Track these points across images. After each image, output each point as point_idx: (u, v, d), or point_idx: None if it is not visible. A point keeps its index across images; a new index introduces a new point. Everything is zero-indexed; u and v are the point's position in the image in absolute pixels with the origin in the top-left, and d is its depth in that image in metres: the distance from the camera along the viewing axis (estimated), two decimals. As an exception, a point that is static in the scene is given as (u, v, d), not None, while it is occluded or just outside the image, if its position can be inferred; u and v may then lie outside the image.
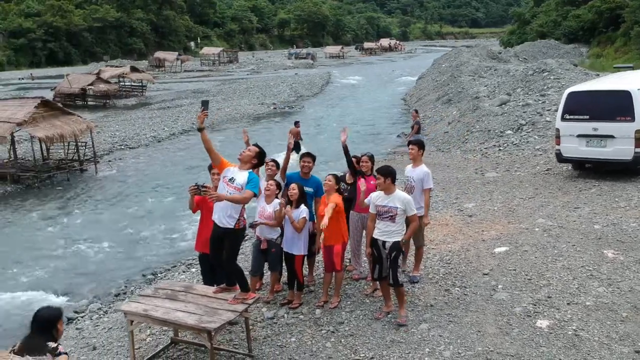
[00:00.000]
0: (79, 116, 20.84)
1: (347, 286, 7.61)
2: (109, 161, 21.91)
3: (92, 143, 20.68)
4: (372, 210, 6.58)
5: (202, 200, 6.69)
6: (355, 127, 28.81)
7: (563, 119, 12.02)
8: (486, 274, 7.57)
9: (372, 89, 47.00)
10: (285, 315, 6.99)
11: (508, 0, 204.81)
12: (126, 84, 45.83)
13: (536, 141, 16.23)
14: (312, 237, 7.35)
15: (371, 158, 7.75)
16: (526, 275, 7.44)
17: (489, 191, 12.08)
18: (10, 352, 4.06)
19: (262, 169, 6.99)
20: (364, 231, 7.42)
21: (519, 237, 8.82)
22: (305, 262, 7.74)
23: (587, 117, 11.65)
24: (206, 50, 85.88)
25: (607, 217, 9.42)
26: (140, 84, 45.05)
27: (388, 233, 6.39)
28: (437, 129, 23.14)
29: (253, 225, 6.94)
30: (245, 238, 11.03)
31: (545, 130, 16.53)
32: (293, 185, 6.87)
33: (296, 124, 18.97)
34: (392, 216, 6.34)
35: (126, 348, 6.74)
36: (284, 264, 7.30)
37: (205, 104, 6.01)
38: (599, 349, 5.71)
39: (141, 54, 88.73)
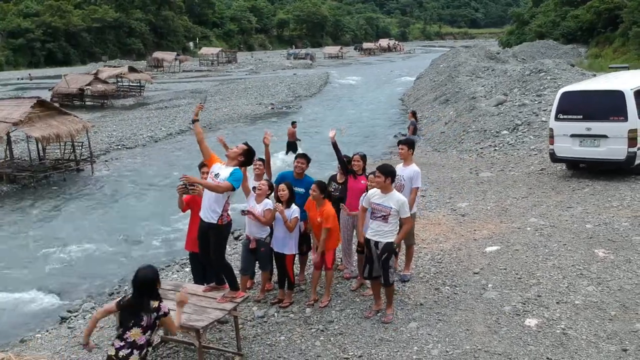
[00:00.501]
0: (75, 116, 20.88)
1: (337, 285, 7.63)
2: (106, 161, 21.93)
3: (89, 143, 20.71)
4: (365, 204, 6.58)
5: (191, 199, 6.71)
6: (353, 127, 28.84)
7: (557, 118, 12.04)
8: (477, 273, 7.59)
9: (370, 89, 47.02)
10: (276, 314, 7.01)
11: (507, 0, 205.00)
12: (124, 84, 45.85)
13: (531, 141, 16.25)
14: (303, 237, 7.37)
15: (363, 158, 7.75)
16: (516, 274, 7.46)
17: (483, 191, 12.10)
18: (116, 306, 4.64)
19: (250, 168, 7.01)
20: (355, 230, 7.43)
21: (510, 237, 8.84)
22: (297, 261, 7.77)
23: (581, 117, 11.67)
24: (205, 50, 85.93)
25: (600, 217, 9.44)
26: (138, 84, 45.08)
27: (381, 233, 6.40)
28: (434, 129, 23.17)
29: (244, 212, 6.90)
30: (240, 238, 11.09)
31: (541, 130, 16.55)
32: (282, 186, 6.87)
33: (293, 124, 19.01)
34: (384, 216, 6.34)
35: (116, 347, 6.74)
36: (274, 263, 7.31)
37: (203, 97, 6.16)
38: (586, 347, 5.72)
39: (140, 54, 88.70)
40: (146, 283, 4.57)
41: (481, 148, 17.22)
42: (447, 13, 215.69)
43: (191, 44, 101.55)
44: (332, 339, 6.32)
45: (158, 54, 73.44)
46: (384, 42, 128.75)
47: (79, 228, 14.54)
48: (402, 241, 7.50)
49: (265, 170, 7.55)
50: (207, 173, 6.38)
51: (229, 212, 6.14)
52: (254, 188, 7.06)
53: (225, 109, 34.56)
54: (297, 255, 7.49)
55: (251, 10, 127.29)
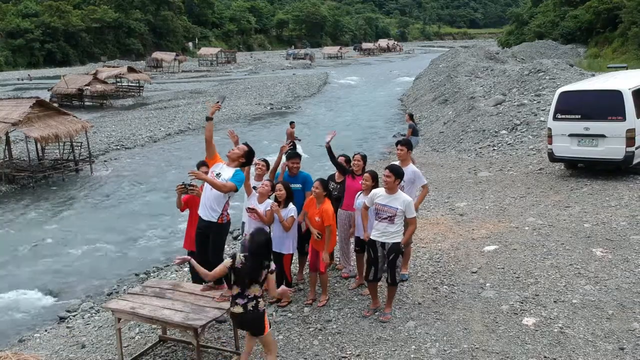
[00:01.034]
0: (74, 116, 20.88)
1: (335, 284, 7.64)
2: (105, 161, 21.93)
3: (88, 143, 20.71)
4: (368, 203, 6.59)
5: (190, 199, 6.73)
6: (352, 127, 28.88)
7: (555, 118, 12.06)
8: (475, 272, 7.60)
9: (369, 90, 47.06)
10: (274, 313, 7.02)
11: (506, 0, 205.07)
12: (123, 84, 45.85)
13: (530, 141, 16.27)
14: (305, 237, 7.35)
15: (364, 158, 7.76)
16: (514, 273, 7.48)
17: (481, 190, 12.12)
18: (230, 262, 5.07)
19: (252, 169, 7.02)
20: (351, 229, 7.45)
21: (508, 236, 8.86)
22: (297, 261, 7.78)
23: (579, 116, 11.69)
24: (204, 50, 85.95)
25: (598, 216, 9.46)
26: (138, 84, 45.08)
27: (387, 234, 6.40)
28: (433, 129, 23.20)
29: (249, 210, 6.90)
30: (238, 238, 11.10)
31: (540, 130, 16.57)
32: (279, 186, 6.88)
33: (291, 124, 19.02)
34: (391, 217, 6.34)
35: (114, 346, 6.76)
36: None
37: (222, 98, 6.48)
38: (583, 346, 5.73)
39: (139, 55, 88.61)
40: (262, 246, 5.04)
41: (480, 148, 17.24)
42: (446, 13, 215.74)
43: (190, 44, 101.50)
44: (330, 338, 6.33)
45: (157, 54, 73.43)
46: (383, 43, 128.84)
47: (78, 228, 14.55)
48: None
49: (270, 174, 7.58)
50: (207, 173, 6.39)
51: (229, 211, 6.16)
52: (254, 188, 7.08)
53: (225, 109, 34.48)
54: (296, 255, 7.50)
55: (250, 10, 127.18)
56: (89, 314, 9.20)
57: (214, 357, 6.26)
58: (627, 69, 20.41)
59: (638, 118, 11.21)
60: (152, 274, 11.03)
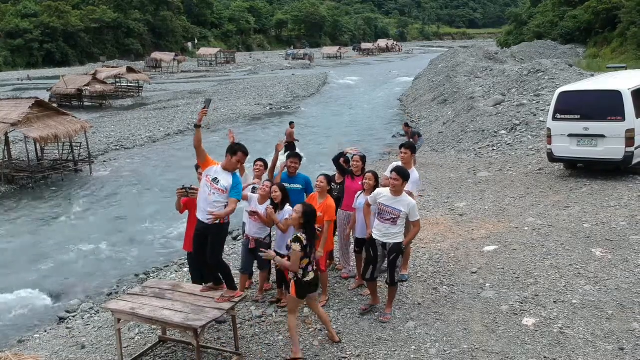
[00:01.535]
0: (73, 117, 20.88)
1: (335, 285, 7.64)
2: (104, 161, 21.93)
3: (87, 143, 20.71)
4: (371, 202, 6.58)
5: (189, 200, 6.72)
6: (351, 127, 28.89)
7: (554, 118, 12.07)
8: (474, 273, 7.60)
9: (368, 90, 47.07)
10: (274, 313, 7.01)
11: (505, 1, 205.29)
12: (122, 84, 45.84)
13: (529, 141, 16.28)
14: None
15: (363, 159, 7.77)
16: (514, 273, 7.48)
17: (481, 191, 12.12)
18: (299, 245, 5.65)
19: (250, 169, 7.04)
20: (347, 229, 7.46)
21: (508, 236, 8.86)
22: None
23: (578, 116, 11.69)
24: (203, 51, 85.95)
25: (597, 216, 9.46)
26: (137, 85, 45.08)
27: (389, 235, 6.41)
28: (432, 129, 23.21)
29: (251, 213, 6.92)
30: (238, 239, 11.11)
31: (539, 130, 16.58)
32: (274, 188, 6.86)
33: (291, 124, 19.01)
34: (394, 219, 6.34)
35: (114, 346, 6.75)
36: (273, 263, 7.31)
37: (207, 102, 6.30)
38: (583, 346, 5.73)
39: (138, 55, 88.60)
40: (314, 214, 5.89)
41: (479, 148, 17.25)
42: (445, 13, 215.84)
43: (190, 44, 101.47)
44: (330, 338, 6.32)
45: (156, 55, 73.47)
46: (382, 43, 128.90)
47: (77, 228, 14.54)
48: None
49: (268, 174, 7.58)
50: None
51: None
52: (254, 188, 7.09)
53: (224, 110, 34.58)
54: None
55: (250, 10, 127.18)
56: (88, 315, 9.21)
57: (213, 357, 6.26)
58: (626, 69, 20.42)
59: (637, 118, 11.21)
60: (151, 275, 11.03)
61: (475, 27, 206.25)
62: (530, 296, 6.82)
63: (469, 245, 8.68)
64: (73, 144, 20.51)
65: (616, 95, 11.28)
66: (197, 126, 6.01)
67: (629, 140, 11.11)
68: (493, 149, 16.69)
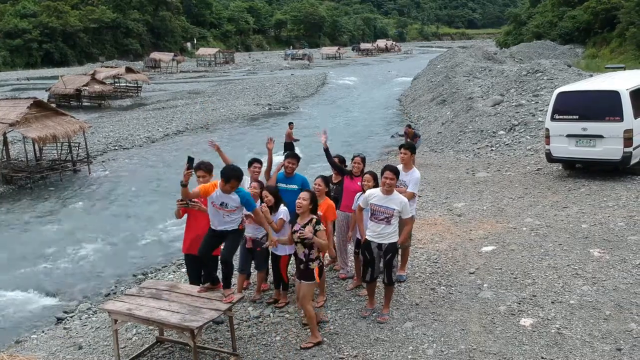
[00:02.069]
0: (72, 117, 20.85)
1: (333, 285, 7.63)
2: (102, 162, 21.90)
3: (85, 143, 20.68)
4: (362, 204, 6.57)
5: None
6: (350, 128, 28.88)
7: (553, 119, 12.07)
8: (472, 273, 7.60)
9: (367, 90, 47.06)
10: (271, 314, 7.01)
11: (504, 1, 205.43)
12: (121, 84, 45.82)
13: (528, 141, 16.29)
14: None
15: (363, 160, 7.76)
16: (512, 274, 7.47)
17: (479, 191, 12.12)
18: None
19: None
20: (349, 232, 7.43)
21: (506, 237, 8.86)
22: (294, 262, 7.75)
23: (577, 117, 11.70)
24: (202, 51, 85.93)
25: (595, 217, 9.46)
26: (136, 85, 45.06)
27: (384, 235, 6.40)
28: (431, 130, 23.21)
29: (245, 216, 6.92)
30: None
31: (538, 130, 16.59)
32: (265, 192, 6.84)
33: (290, 125, 19.00)
34: (387, 218, 6.34)
35: (112, 347, 6.74)
36: (269, 264, 7.31)
37: (190, 161, 5.74)
38: (581, 346, 5.73)
39: (137, 55, 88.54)
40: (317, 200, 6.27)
41: (478, 148, 17.25)
42: (444, 14, 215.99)
43: (189, 44, 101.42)
44: (327, 338, 6.31)
45: (155, 55, 73.46)
46: (381, 43, 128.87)
47: (76, 229, 14.51)
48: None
49: (265, 175, 7.57)
50: (202, 177, 6.45)
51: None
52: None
53: (223, 110, 34.58)
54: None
55: (249, 10, 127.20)
56: (86, 315, 9.18)
57: (211, 358, 6.25)
58: (625, 70, 20.44)
59: (636, 118, 11.22)
60: (149, 275, 11.01)
61: (474, 27, 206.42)
62: (528, 296, 6.81)
63: (466, 245, 8.68)
64: (71, 144, 20.49)
65: (614, 95, 11.29)
66: (184, 185, 5.76)
67: (627, 140, 11.12)
68: (492, 149, 16.70)
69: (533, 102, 19.41)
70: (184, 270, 10.03)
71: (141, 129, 28.37)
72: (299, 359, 6.00)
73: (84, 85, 37.50)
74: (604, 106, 11.44)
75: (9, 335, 9.06)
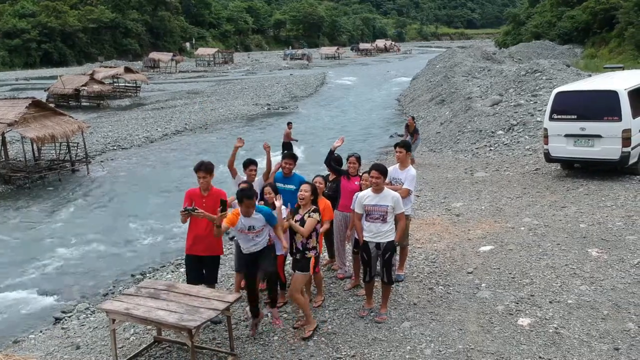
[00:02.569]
0: (70, 117, 20.83)
1: (331, 285, 7.63)
2: (101, 162, 21.87)
3: (84, 143, 20.66)
4: (358, 210, 6.56)
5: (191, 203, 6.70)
6: (348, 127, 28.88)
7: (551, 118, 12.08)
8: (470, 273, 7.60)
9: (366, 90, 47.05)
10: (269, 313, 6.99)
11: (503, 1, 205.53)
12: (120, 84, 45.79)
13: (527, 141, 16.30)
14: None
15: (358, 159, 7.76)
16: (510, 273, 7.48)
17: (477, 191, 12.12)
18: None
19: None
20: (348, 231, 7.42)
21: (504, 236, 8.86)
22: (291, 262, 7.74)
23: (575, 117, 11.71)
24: (201, 51, 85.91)
25: (593, 216, 9.47)
26: (134, 85, 45.03)
27: (381, 234, 6.41)
28: (430, 129, 23.21)
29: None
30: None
31: (536, 130, 16.60)
32: (268, 189, 6.84)
33: (288, 125, 19.00)
34: (383, 215, 6.34)
35: (109, 347, 6.72)
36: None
37: (223, 204, 6.03)
38: (578, 346, 5.73)
39: (136, 55, 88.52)
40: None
41: (476, 148, 17.26)
42: (443, 14, 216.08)
43: (187, 44, 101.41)
44: (324, 338, 6.31)
45: (154, 55, 73.44)
46: (380, 43, 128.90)
47: (74, 229, 14.49)
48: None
49: (264, 176, 7.59)
50: (203, 177, 6.53)
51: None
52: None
53: (222, 110, 34.56)
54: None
55: (248, 10, 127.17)
56: (84, 315, 9.16)
57: (208, 358, 6.24)
58: (623, 70, 20.45)
59: (634, 118, 11.23)
60: (148, 275, 10.99)
61: (473, 27, 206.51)
62: (526, 296, 6.82)
63: (465, 245, 8.68)
64: (70, 144, 20.47)
65: (613, 95, 11.30)
66: (218, 226, 6.03)
67: (626, 140, 11.13)
68: (490, 149, 16.70)
69: (532, 102, 19.42)
70: (182, 270, 10.04)
71: (140, 129, 28.35)
72: (297, 359, 6.00)
73: (82, 85, 37.46)
74: (602, 106, 11.45)
75: (6, 335, 9.04)
